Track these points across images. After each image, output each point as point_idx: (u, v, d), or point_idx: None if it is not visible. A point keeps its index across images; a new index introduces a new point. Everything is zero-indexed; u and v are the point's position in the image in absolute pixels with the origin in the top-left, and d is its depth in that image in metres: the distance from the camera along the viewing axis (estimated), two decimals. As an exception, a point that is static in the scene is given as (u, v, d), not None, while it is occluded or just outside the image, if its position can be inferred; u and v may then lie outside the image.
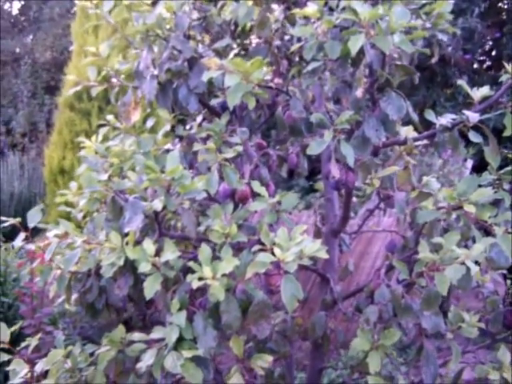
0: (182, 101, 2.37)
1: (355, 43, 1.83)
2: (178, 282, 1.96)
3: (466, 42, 8.09)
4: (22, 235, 2.31)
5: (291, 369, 2.72)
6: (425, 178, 2.38)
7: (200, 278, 1.79)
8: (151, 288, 1.83)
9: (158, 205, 1.85)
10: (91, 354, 2.26)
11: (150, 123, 2.70)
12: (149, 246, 1.86)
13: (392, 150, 2.42)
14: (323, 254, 1.79)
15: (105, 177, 1.92)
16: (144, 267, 1.82)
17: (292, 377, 2.75)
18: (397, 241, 2.56)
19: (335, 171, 2.04)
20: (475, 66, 9.12)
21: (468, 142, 2.30)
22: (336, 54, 1.89)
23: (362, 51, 1.87)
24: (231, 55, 2.29)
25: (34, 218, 2.28)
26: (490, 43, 9.11)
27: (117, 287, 1.99)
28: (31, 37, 12.34)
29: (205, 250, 1.87)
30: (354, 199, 2.94)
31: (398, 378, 2.11)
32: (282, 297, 1.75)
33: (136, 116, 2.49)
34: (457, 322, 2.17)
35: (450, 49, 7.89)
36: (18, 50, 11.91)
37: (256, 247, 1.88)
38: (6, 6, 12.96)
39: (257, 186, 2.08)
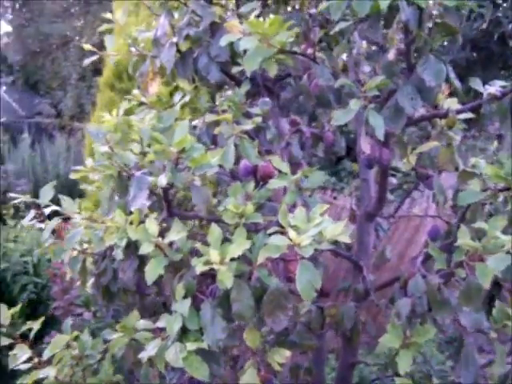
0: (202, 70, 2.19)
1: (387, -3, 1.59)
2: (187, 266, 1.77)
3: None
4: (32, 213, 2.18)
5: (321, 363, 2.52)
6: (473, 159, 2.11)
7: (207, 263, 1.60)
8: (153, 272, 1.64)
9: (162, 180, 1.65)
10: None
11: (177, 97, 2.53)
12: (151, 225, 1.67)
13: (434, 126, 2.17)
14: (345, 238, 1.57)
15: (105, 148, 1.75)
16: (146, 248, 1.64)
17: (322, 372, 2.55)
18: (440, 227, 2.31)
19: (365, 146, 1.81)
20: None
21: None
22: (365, 11, 1.65)
23: (396, 7, 1.63)
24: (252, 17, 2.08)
25: (46, 194, 2.16)
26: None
27: (121, 270, 1.83)
28: (82, 21, 12.39)
29: (215, 231, 1.67)
30: (394, 180, 2.70)
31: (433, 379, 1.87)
32: (297, 284, 1.54)
33: (154, 87, 2.31)
34: (502, 319, 1.91)
35: (510, 27, 7.44)
36: (68, 33, 11.97)
37: (273, 229, 1.66)
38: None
39: (277, 161, 1.87)
